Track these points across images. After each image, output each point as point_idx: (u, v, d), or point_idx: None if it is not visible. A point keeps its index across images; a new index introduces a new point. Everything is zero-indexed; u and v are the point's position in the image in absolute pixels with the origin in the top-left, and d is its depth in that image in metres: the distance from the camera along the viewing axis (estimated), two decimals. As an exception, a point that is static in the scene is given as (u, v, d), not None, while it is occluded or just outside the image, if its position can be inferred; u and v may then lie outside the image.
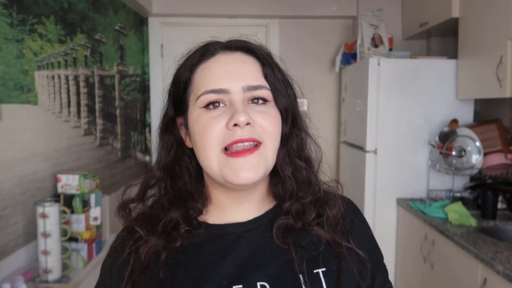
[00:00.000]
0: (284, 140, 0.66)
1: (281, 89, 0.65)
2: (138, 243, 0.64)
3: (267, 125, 0.62)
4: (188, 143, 0.67)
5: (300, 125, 0.69)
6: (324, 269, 0.63)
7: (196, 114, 0.63)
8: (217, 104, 0.61)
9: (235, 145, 0.60)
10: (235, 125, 0.59)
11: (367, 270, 0.67)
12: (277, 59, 0.69)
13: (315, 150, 0.71)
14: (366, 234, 0.73)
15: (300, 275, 0.61)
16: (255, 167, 0.60)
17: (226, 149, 0.60)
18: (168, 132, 0.68)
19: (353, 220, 0.71)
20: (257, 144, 0.61)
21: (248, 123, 0.59)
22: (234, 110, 0.60)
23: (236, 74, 0.62)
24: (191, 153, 0.68)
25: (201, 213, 0.67)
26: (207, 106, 0.62)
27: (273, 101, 0.64)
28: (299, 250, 0.63)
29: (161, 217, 0.65)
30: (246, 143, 0.60)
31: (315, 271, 0.62)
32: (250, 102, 0.62)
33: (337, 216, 0.68)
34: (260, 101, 0.63)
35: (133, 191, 0.70)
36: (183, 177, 0.67)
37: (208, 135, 0.60)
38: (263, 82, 0.64)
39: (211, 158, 0.61)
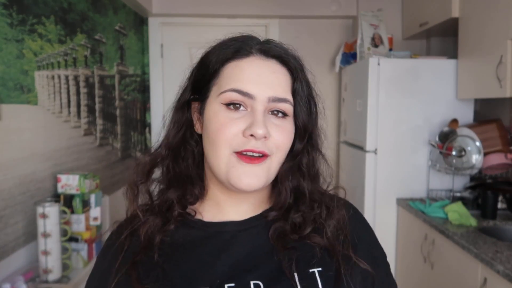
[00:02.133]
0: (295, 155, 0.66)
1: (305, 106, 0.65)
2: (136, 225, 0.65)
3: (281, 140, 0.62)
4: (198, 128, 0.67)
5: (315, 143, 0.69)
6: (320, 269, 0.62)
7: (215, 108, 0.62)
8: (238, 105, 0.61)
9: (245, 152, 0.60)
10: (252, 135, 0.59)
11: (371, 283, 0.65)
12: (308, 74, 0.68)
13: (326, 170, 0.70)
14: (372, 245, 0.71)
15: (295, 274, 0.60)
16: (259, 176, 0.61)
17: (236, 152, 0.61)
18: (182, 112, 0.67)
19: (359, 232, 0.69)
20: (264, 156, 0.61)
21: (264, 137, 0.60)
22: (254, 119, 0.60)
23: (265, 82, 0.61)
24: (199, 138, 0.67)
25: (197, 200, 0.68)
26: (228, 104, 0.61)
27: (292, 116, 0.64)
28: (294, 252, 0.62)
29: (158, 197, 0.66)
30: (255, 154, 0.60)
31: (310, 270, 0.61)
32: (269, 112, 0.62)
33: (339, 225, 0.66)
34: (280, 114, 0.63)
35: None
36: (186, 159, 0.67)
37: (223, 135, 0.60)
38: (289, 96, 0.63)
39: (220, 156, 0.61)
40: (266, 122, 0.60)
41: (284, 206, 0.66)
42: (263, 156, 0.61)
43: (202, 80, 0.65)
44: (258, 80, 0.61)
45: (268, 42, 0.66)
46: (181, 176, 0.67)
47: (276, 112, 0.62)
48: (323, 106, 0.70)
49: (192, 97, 0.67)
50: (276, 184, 0.67)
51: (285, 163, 0.65)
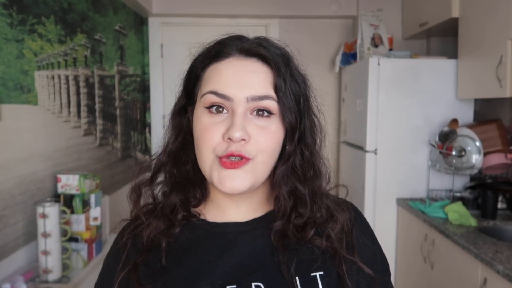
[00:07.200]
0: (287, 157, 0.63)
1: (291, 103, 0.61)
2: (139, 228, 0.66)
3: (263, 141, 0.60)
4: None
5: (310, 142, 0.65)
6: (322, 272, 0.61)
7: (199, 112, 0.62)
8: (220, 109, 0.60)
9: (226, 158, 0.59)
10: (230, 138, 0.58)
11: (373, 285, 0.65)
12: (300, 67, 0.66)
13: (324, 170, 0.68)
14: (373, 249, 0.70)
15: (297, 277, 0.60)
16: (242, 178, 0.60)
17: (219, 157, 0.60)
18: (179, 118, 0.68)
19: (359, 235, 0.69)
20: (244, 159, 0.60)
21: (243, 139, 0.58)
22: (232, 122, 0.58)
23: (243, 82, 0.60)
24: None
25: (200, 202, 0.68)
26: (210, 107, 0.61)
27: (278, 114, 0.61)
28: (295, 254, 0.62)
29: (161, 201, 0.67)
30: (237, 158, 0.59)
31: (312, 274, 0.61)
32: (254, 113, 0.60)
33: (343, 230, 0.65)
34: (265, 113, 0.61)
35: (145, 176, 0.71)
36: (186, 164, 0.67)
37: (206, 140, 0.60)
38: (270, 93, 0.60)
39: (205, 160, 0.61)
40: (247, 124, 0.59)
41: (286, 213, 0.64)
42: (242, 159, 0.59)
43: (189, 85, 0.66)
44: (236, 80, 0.60)
45: (251, 41, 0.63)
46: (182, 181, 0.67)
47: (261, 112, 0.60)
48: (322, 103, 0.68)
49: (186, 102, 0.67)
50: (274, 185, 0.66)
51: (279, 166, 0.63)
